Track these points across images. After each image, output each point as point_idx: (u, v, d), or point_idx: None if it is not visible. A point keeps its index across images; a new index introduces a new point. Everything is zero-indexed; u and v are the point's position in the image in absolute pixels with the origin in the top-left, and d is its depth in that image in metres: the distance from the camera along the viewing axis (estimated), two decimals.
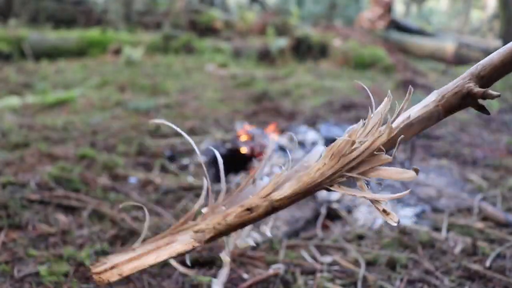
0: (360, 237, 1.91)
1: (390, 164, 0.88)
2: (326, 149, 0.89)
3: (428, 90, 5.33)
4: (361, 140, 0.86)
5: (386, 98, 0.88)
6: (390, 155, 0.85)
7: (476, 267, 1.63)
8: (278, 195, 0.88)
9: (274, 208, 0.89)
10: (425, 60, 8.44)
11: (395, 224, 0.82)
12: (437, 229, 1.98)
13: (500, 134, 3.74)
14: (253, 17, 9.94)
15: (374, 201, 0.84)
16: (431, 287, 1.53)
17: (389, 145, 0.88)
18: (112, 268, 0.85)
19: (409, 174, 0.82)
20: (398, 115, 0.86)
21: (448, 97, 0.84)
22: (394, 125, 0.86)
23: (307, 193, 0.89)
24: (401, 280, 1.56)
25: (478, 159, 3.00)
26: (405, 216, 2.13)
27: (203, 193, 0.96)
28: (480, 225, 1.99)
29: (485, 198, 2.32)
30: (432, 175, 2.68)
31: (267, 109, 4.07)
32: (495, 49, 0.86)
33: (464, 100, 0.83)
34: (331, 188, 0.87)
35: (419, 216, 2.14)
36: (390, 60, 7.13)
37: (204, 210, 0.95)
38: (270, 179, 0.91)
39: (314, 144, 2.68)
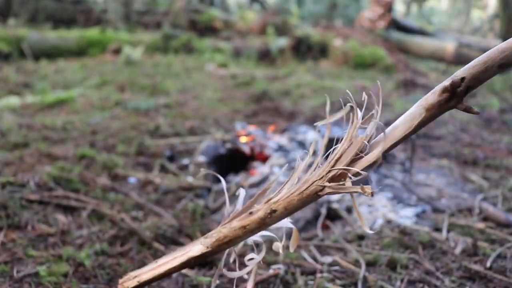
0: (361, 238, 1.90)
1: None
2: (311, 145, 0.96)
3: (428, 90, 5.32)
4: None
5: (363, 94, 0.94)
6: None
7: (476, 267, 1.62)
8: (275, 198, 0.93)
9: (272, 210, 0.92)
10: (425, 60, 8.43)
11: (370, 196, 0.85)
12: (438, 229, 1.98)
13: (501, 134, 3.73)
14: (253, 17, 9.93)
15: (363, 191, 0.87)
16: (432, 287, 1.53)
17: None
18: (134, 277, 0.95)
19: (375, 153, 0.88)
20: (376, 111, 0.89)
21: (427, 97, 0.89)
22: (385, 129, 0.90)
23: (302, 196, 0.90)
24: (402, 280, 1.56)
25: (478, 159, 2.99)
26: (406, 216, 2.13)
27: (226, 208, 0.99)
28: (480, 225, 1.98)
29: (485, 198, 2.32)
30: (432, 175, 2.68)
31: (267, 109, 4.07)
32: None
33: (440, 96, 0.87)
34: (325, 188, 0.88)
35: (420, 216, 2.14)
36: (390, 60, 7.12)
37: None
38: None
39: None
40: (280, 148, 2.59)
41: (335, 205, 2.18)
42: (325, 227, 2.05)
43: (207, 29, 9.49)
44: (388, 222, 2.06)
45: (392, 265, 1.65)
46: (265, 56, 7.46)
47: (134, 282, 0.93)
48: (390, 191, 2.43)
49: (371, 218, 2.10)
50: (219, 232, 0.94)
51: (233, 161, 2.61)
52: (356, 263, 1.66)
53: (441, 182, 2.57)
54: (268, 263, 1.65)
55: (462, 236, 1.88)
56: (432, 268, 1.63)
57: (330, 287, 1.51)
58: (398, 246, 1.79)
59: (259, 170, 2.51)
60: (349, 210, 2.21)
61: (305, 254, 1.73)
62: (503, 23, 9.33)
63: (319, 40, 7.58)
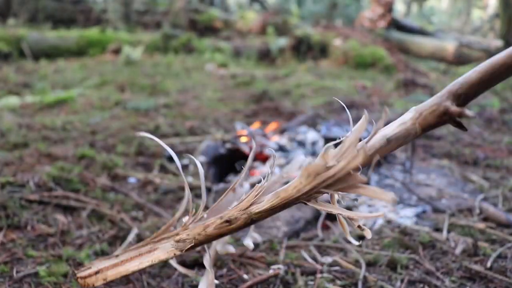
0: (361, 238, 1.90)
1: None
2: (302, 169, 0.87)
3: (429, 89, 5.33)
4: (338, 159, 0.85)
5: (363, 116, 0.85)
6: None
7: (477, 267, 1.62)
8: (256, 208, 0.89)
9: (252, 221, 0.90)
10: (425, 60, 8.42)
11: (370, 237, 0.81)
12: (438, 229, 1.97)
13: (501, 134, 3.73)
14: (253, 17, 9.92)
15: (349, 218, 0.83)
16: (432, 287, 1.53)
17: (366, 162, 0.85)
18: (96, 273, 0.88)
19: (388, 196, 0.80)
20: (374, 134, 0.83)
21: (425, 115, 0.82)
22: (371, 143, 0.83)
23: (285, 206, 0.89)
24: (402, 281, 1.56)
25: (479, 159, 2.99)
26: (406, 216, 2.12)
27: (185, 199, 0.98)
28: (481, 225, 1.98)
29: (486, 198, 2.31)
30: (433, 175, 2.68)
31: (267, 109, 4.06)
32: (496, 49, 0.87)
33: (440, 118, 0.82)
34: (308, 203, 0.86)
35: (420, 216, 2.14)
36: (390, 59, 7.12)
37: (185, 220, 0.97)
38: (250, 190, 0.92)
39: (314, 144, 2.67)
40: (280, 148, 2.59)
41: None
42: (325, 227, 2.05)
43: (207, 29, 9.49)
44: (388, 222, 2.06)
45: (392, 265, 1.65)
46: (265, 56, 7.46)
47: (100, 280, 0.90)
48: (390, 191, 2.43)
49: (371, 219, 2.10)
50: (194, 239, 0.93)
51: (233, 161, 2.60)
52: (356, 263, 1.66)
53: (442, 182, 2.57)
54: (268, 263, 1.65)
55: (463, 236, 1.88)
56: (432, 268, 1.63)
57: None
58: (398, 246, 1.78)
59: (259, 170, 2.50)
60: (349, 210, 2.20)
61: (305, 254, 1.73)
62: (504, 23, 9.32)
63: (319, 40, 7.58)
